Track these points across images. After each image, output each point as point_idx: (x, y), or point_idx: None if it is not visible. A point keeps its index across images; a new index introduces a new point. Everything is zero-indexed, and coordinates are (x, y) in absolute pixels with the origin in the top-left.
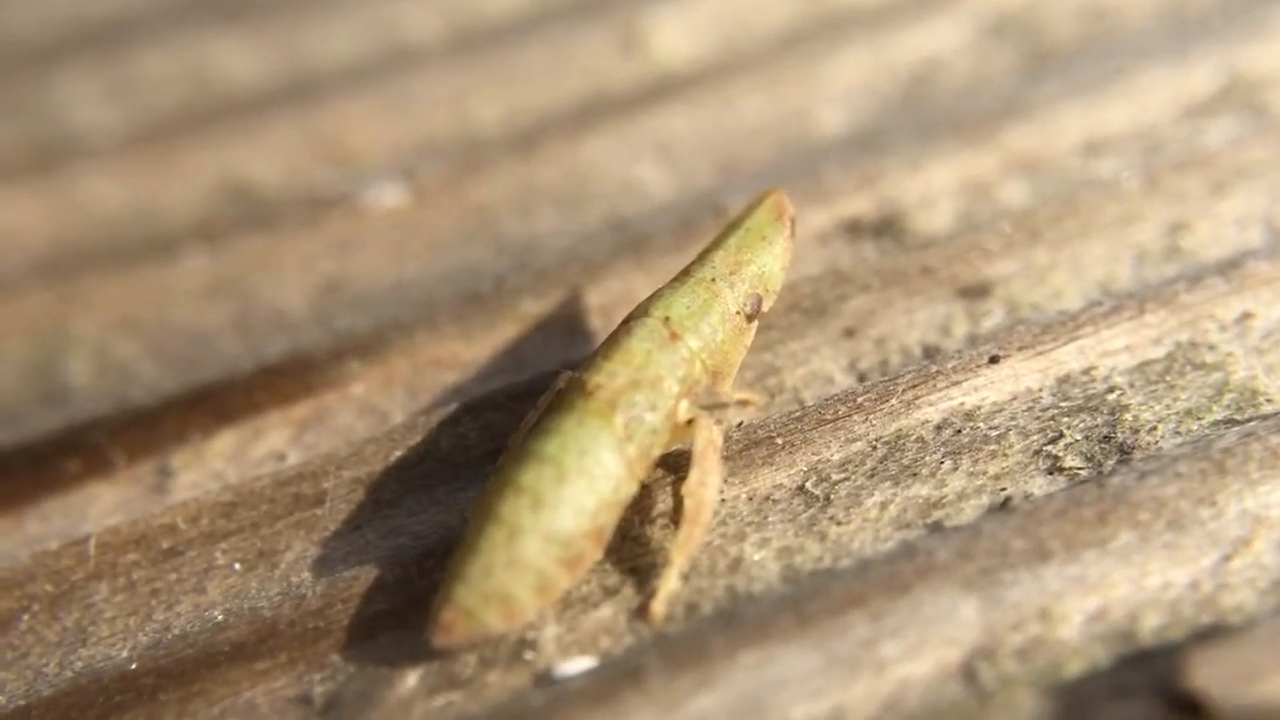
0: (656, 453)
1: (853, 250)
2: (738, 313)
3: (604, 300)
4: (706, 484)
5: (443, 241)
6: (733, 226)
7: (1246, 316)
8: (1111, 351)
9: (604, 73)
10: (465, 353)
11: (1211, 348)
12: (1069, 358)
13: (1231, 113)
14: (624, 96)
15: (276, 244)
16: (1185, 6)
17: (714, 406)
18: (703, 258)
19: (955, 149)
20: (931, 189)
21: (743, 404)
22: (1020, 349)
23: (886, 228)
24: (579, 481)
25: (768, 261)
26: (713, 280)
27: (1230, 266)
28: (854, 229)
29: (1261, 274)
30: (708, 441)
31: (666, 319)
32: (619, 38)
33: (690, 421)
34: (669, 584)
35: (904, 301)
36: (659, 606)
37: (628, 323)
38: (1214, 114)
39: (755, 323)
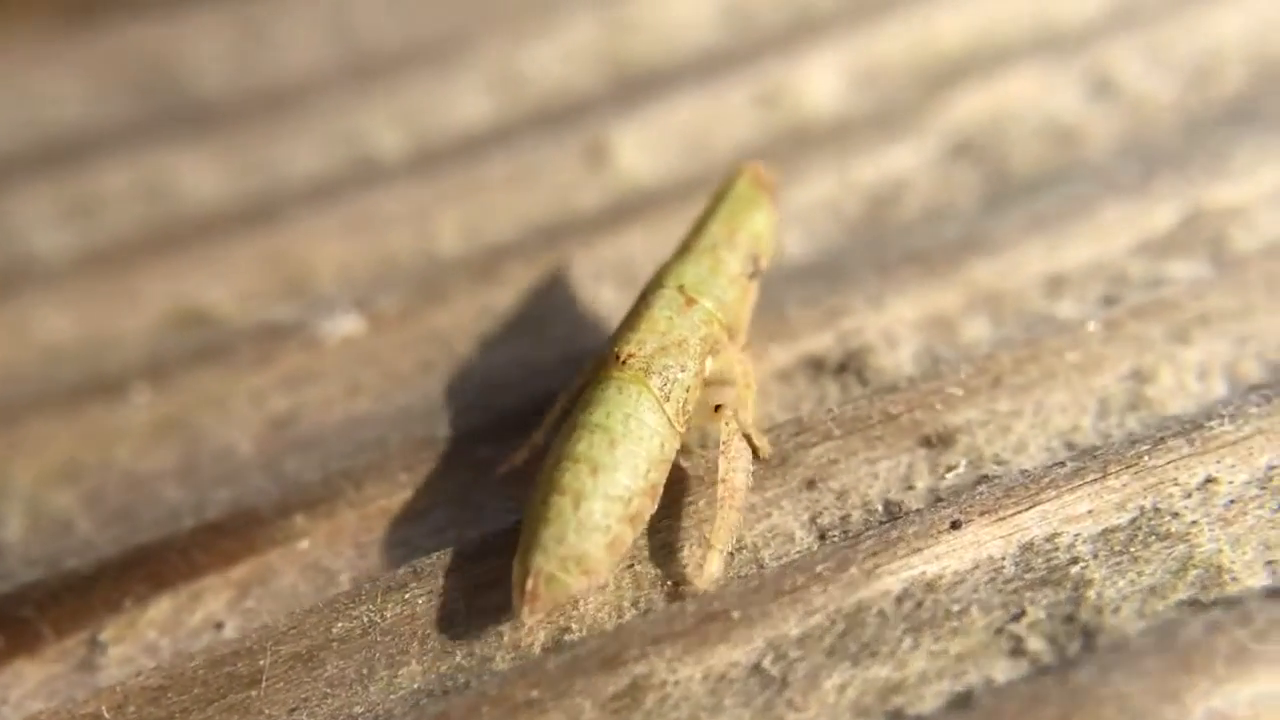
0: (691, 408)
1: (815, 391)
2: (740, 273)
3: None
4: (735, 470)
5: (399, 374)
6: (719, 198)
7: (1210, 481)
8: (1074, 517)
9: (568, 188)
10: (417, 503)
11: (1175, 515)
12: (1032, 523)
13: (1194, 251)
14: (587, 214)
15: (227, 377)
16: (1148, 135)
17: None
18: (698, 229)
19: (918, 281)
20: (894, 324)
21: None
22: (982, 513)
23: (849, 365)
24: (629, 443)
25: (759, 223)
26: (714, 247)
27: (1193, 427)
28: (817, 367)
29: (1225, 436)
30: (731, 433)
31: (680, 287)
32: (584, 153)
33: (717, 409)
34: (713, 564)
35: (866, 451)
36: (704, 579)
37: (645, 296)
38: (1176, 252)
39: (756, 281)
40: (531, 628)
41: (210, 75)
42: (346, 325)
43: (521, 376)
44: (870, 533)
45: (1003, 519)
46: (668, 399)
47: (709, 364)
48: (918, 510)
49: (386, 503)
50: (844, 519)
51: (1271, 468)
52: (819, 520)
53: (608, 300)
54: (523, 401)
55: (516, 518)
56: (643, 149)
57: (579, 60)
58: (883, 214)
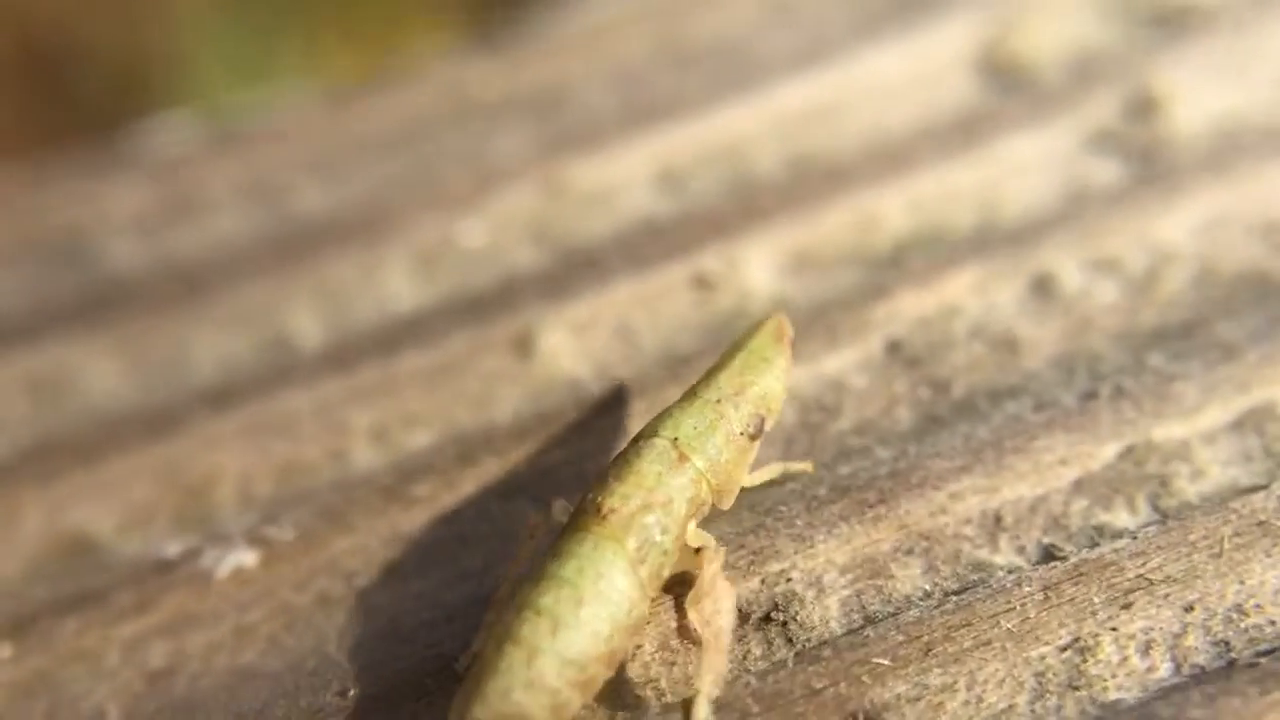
0: (666, 573)
1: (739, 647)
2: (741, 433)
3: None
4: (721, 611)
5: (293, 611)
6: (735, 348)
7: None
8: None
9: (491, 383)
10: None
11: None
12: None
13: (1136, 498)
14: (510, 417)
15: (103, 624)
16: (1091, 348)
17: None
18: (708, 379)
19: (849, 518)
20: (823, 568)
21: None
22: None
23: (773, 617)
24: (595, 605)
25: (770, 382)
26: (718, 401)
27: None
28: (740, 618)
29: None
30: (716, 571)
31: (675, 440)
32: (509, 344)
33: (699, 551)
34: (701, 712)
35: None
36: None
37: (637, 443)
38: (1118, 497)
39: (757, 441)
40: None
41: (122, 250)
42: (240, 555)
43: (429, 621)
44: None
45: None
46: (643, 562)
47: (691, 528)
48: None
49: None
50: None
51: None
52: None
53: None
54: (425, 660)
55: None
56: (567, 346)
57: (510, 235)
58: (816, 425)
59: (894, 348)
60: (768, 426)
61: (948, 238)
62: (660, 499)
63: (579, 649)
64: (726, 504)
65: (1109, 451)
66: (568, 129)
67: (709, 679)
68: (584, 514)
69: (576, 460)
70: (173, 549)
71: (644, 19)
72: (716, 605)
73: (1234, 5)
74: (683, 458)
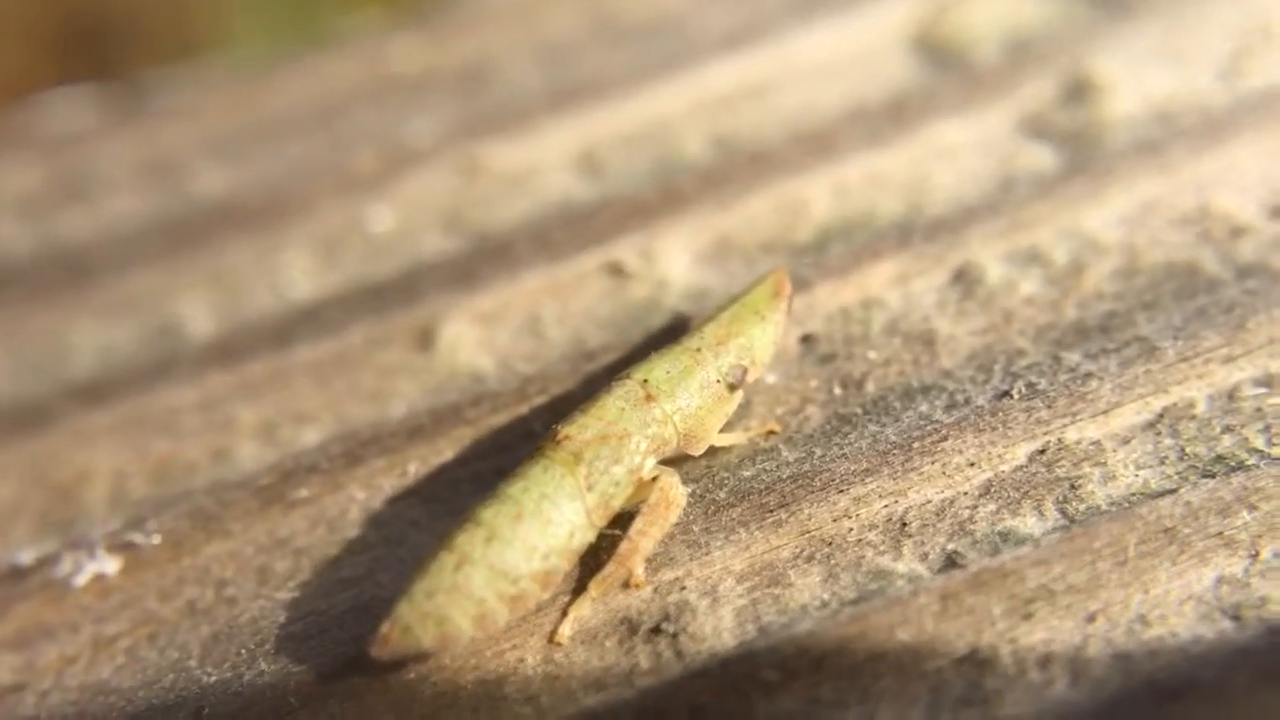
0: (617, 504)
1: (625, 659)
2: (719, 381)
3: None
4: (646, 533)
5: (156, 627)
6: (733, 300)
7: None
8: None
9: (387, 382)
10: None
11: None
12: None
13: (1043, 502)
14: (403, 416)
15: None
16: (1007, 356)
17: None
18: (697, 328)
19: (749, 524)
20: (719, 576)
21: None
22: None
23: (664, 628)
24: (534, 523)
25: (757, 336)
26: (698, 350)
27: None
28: (630, 628)
29: None
30: (662, 496)
31: (645, 381)
32: (411, 336)
33: (655, 479)
34: (580, 610)
35: None
36: (565, 629)
37: (611, 383)
38: (1027, 501)
39: (738, 391)
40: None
41: (4, 233)
42: (101, 563)
43: (299, 634)
44: None
45: None
46: (590, 489)
47: (650, 464)
48: None
49: None
50: None
51: None
52: None
53: (414, 517)
54: (290, 676)
55: None
56: (475, 330)
57: (420, 220)
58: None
59: (809, 342)
60: (750, 378)
61: (872, 226)
62: (617, 431)
63: (510, 562)
64: (697, 449)
65: (1020, 453)
66: (488, 108)
67: (601, 585)
68: (544, 440)
69: (470, 460)
70: (28, 555)
71: None
72: (645, 527)
73: None
74: (649, 398)
